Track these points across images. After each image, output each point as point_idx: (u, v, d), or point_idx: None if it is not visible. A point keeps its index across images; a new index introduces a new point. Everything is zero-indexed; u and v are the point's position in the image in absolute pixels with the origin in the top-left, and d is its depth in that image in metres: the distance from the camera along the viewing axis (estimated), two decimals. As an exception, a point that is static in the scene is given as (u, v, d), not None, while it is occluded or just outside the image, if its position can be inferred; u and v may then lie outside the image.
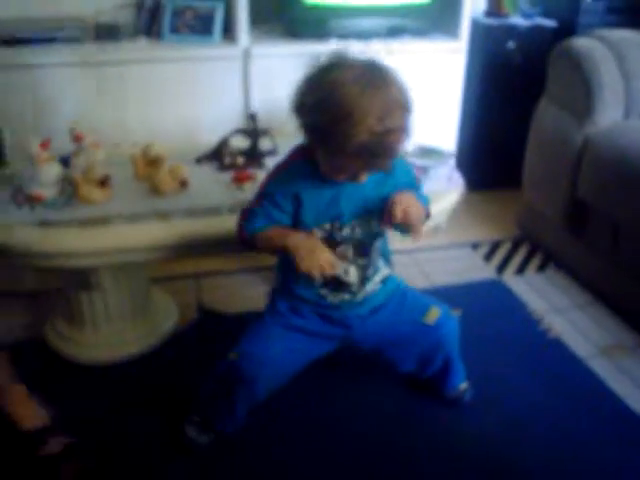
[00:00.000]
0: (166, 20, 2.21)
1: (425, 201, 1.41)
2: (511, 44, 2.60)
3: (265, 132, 1.89)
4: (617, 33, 2.25)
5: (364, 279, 1.43)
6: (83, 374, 1.73)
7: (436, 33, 2.41)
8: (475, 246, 2.49)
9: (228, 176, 1.78)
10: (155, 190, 1.69)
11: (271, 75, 2.19)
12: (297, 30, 2.25)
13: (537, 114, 2.35)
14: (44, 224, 1.55)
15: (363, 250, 1.40)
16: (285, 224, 1.33)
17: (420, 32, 2.34)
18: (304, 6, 2.18)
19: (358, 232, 1.37)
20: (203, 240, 1.56)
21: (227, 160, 1.84)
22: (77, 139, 1.69)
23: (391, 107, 1.16)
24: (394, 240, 1.62)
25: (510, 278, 2.27)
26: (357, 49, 2.14)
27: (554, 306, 2.11)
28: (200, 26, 2.19)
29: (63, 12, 2.27)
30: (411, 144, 1.98)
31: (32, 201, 1.64)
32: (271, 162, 1.87)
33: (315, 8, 2.20)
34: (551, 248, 2.40)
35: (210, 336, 1.88)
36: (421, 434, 1.60)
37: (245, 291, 2.13)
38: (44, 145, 1.65)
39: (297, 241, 1.27)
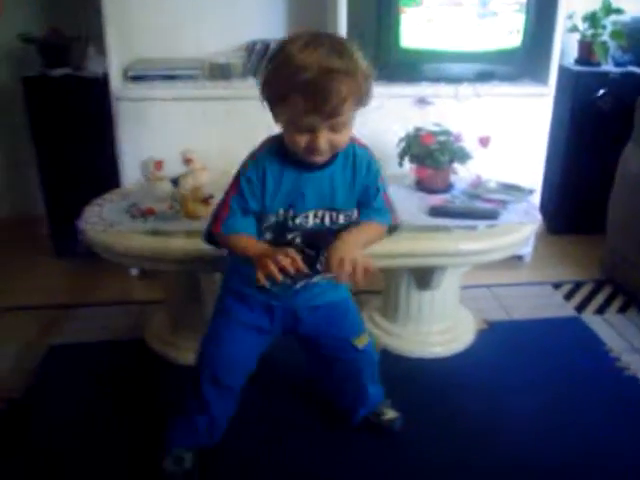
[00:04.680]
0: (272, 62, 2.43)
1: (384, 215, 1.46)
2: (601, 91, 2.67)
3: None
4: None
5: (309, 269, 1.39)
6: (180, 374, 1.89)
7: (525, 78, 2.51)
8: (556, 285, 2.52)
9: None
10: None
11: (364, 113, 2.35)
12: (391, 74, 2.41)
13: (623, 158, 2.39)
14: (155, 233, 1.77)
15: (313, 241, 1.41)
16: (255, 210, 1.37)
17: (509, 77, 2.45)
18: (399, 50, 2.34)
19: (311, 223, 1.39)
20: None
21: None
22: (187, 162, 1.91)
23: (329, 57, 1.20)
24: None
25: (589, 317, 2.30)
26: (446, 92, 2.32)
27: (633, 346, 2.12)
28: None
29: (185, 53, 2.57)
30: (493, 181, 2.10)
31: (145, 214, 1.86)
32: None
33: (409, 52, 2.35)
34: (633, 291, 2.40)
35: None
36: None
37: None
38: (158, 165, 1.88)
39: (259, 250, 1.31)
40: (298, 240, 1.41)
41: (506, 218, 1.90)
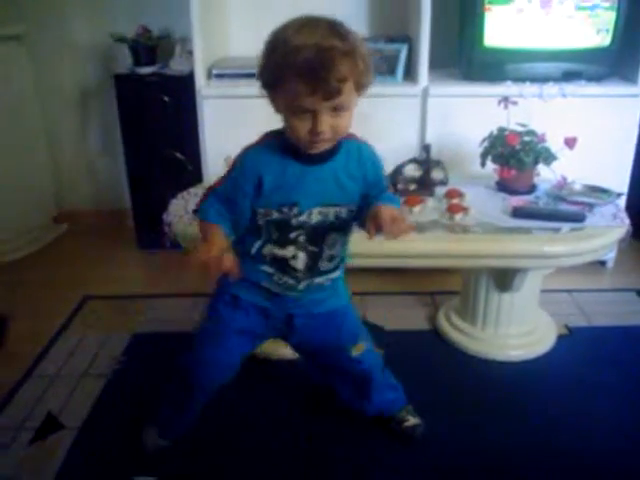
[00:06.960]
0: (354, 61, 2.45)
1: (397, 202, 1.42)
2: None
3: (437, 163, 2.04)
4: None
5: (312, 268, 1.41)
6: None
7: (613, 78, 2.43)
8: (641, 293, 2.45)
9: (400, 200, 1.94)
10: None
11: (446, 113, 2.34)
12: (473, 72, 2.38)
13: None
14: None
15: (316, 238, 1.38)
16: (241, 207, 1.33)
17: (596, 77, 2.38)
18: (483, 49, 2.32)
19: (315, 219, 1.35)
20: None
21: (400, 186, 2.00)
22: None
23: (327, 37, 1.17)
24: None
25: (677, 327, 2.21)
26: (531, 92, 2.27)
27: None
28: (385, 67, 2.40)
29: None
30: (578, 183, 2.05)
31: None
32: (442, 191, 2.02)
33: (493, 51, 2.32)
34: None
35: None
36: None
37: (404, 311, 2.30)
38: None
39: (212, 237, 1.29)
40: (302, 238, 1.37)
41: (592, 221, 1.85)
